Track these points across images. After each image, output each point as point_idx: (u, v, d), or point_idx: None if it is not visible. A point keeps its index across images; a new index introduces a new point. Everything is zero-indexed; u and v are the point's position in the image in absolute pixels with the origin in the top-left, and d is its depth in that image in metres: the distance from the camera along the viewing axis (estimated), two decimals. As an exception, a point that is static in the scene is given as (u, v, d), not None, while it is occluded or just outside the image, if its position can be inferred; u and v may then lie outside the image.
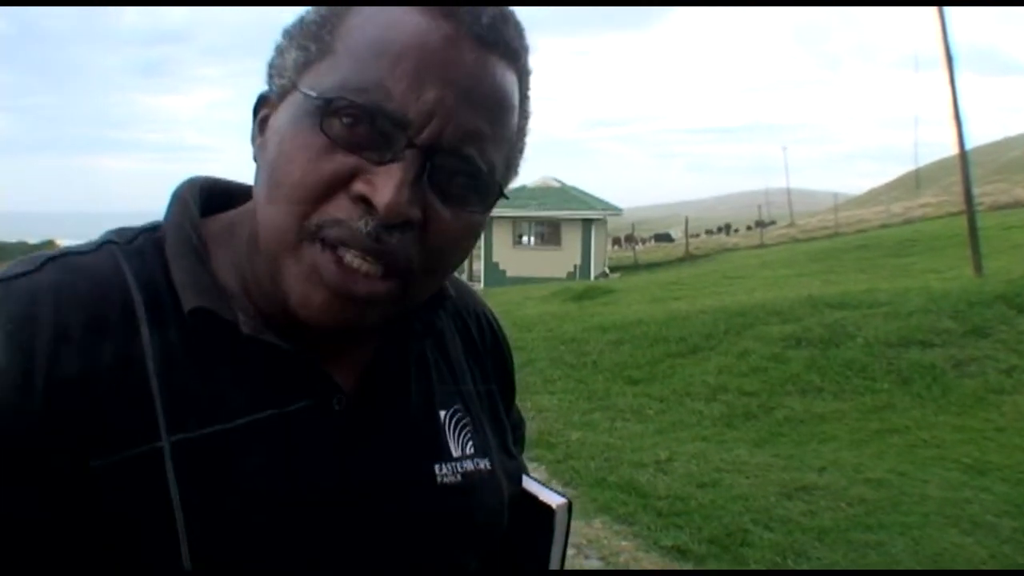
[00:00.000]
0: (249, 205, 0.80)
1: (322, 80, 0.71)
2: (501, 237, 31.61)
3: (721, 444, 7.16)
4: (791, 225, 48.30)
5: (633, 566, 4.71)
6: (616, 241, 48.43)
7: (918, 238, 22.19)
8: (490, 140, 0.73)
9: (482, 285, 29.86)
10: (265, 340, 0.75)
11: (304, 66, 0.73)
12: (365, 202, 0.69)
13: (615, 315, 13.78)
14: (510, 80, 0.75)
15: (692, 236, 45.39)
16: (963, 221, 13.03)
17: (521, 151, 0.81)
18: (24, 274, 0.72)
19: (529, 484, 0.97)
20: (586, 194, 34.19)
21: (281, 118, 0.74)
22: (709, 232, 58.90)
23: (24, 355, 0.67)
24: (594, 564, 4.78)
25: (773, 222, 54.20)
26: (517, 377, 1.09)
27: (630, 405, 8.74)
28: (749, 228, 51.69)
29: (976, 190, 15.40)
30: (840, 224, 38.10)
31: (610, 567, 4.73)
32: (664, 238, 54.59)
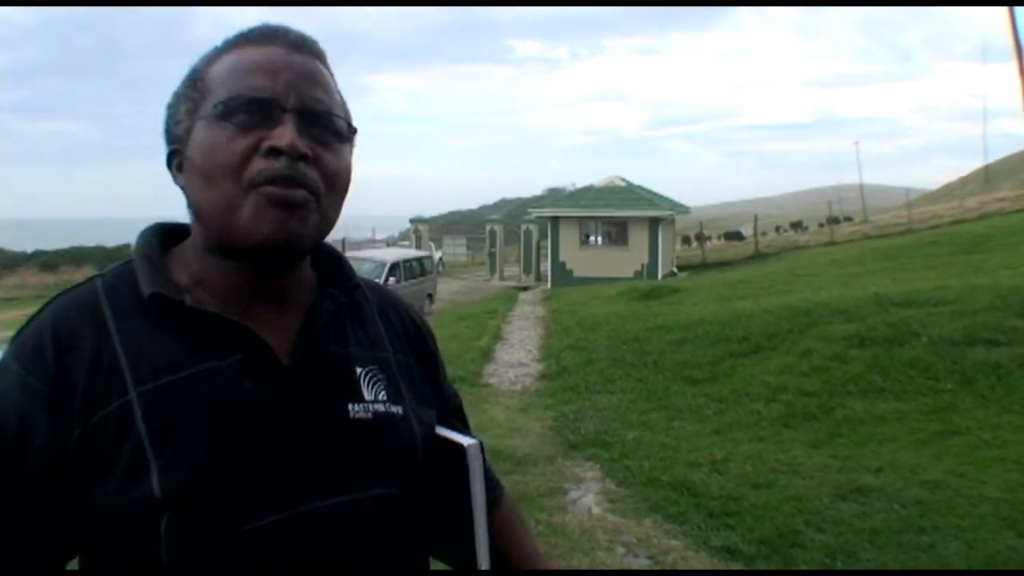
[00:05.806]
0: (193, 230, 1.11)
1: (211, 106, 1.03)
2: (568, 237, 31.37)
3: (778, 445, 7.16)
4: (864, 222, 47.38)
5: (681, 565, 4.76)
6: (686, 240, 47.96)
7: (992, 234, 21.61)
8: (328, 101, 1.07)
9: (549, 285, 29.78)
10: (205, 310, 1.03)
11: (194, 110, 1.05)
12: (275, 151, 0.99)
13: (679, 315, 13.76)
14: (322, 67, 1.10)
15: (762, 234, 44.79)
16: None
17: (347, 110, 1.13)
18: (36, 315, 1.05)
19: (444, 432, 1.22)
20: (653, 193, 33.82)
21: (195, 141, 1.04)
22: (780, 229, 58.03)
23: (40, 365, 0.99)
24: (642, 563, 4.85)
25: (850, 218, 52.95)
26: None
27: (689, 405, 8.76)
28: (821, 225, 50.71)
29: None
30: (913, 220, 37.31)
31: (658, 566, 4.78)
32: (734, 236, 53.76)
